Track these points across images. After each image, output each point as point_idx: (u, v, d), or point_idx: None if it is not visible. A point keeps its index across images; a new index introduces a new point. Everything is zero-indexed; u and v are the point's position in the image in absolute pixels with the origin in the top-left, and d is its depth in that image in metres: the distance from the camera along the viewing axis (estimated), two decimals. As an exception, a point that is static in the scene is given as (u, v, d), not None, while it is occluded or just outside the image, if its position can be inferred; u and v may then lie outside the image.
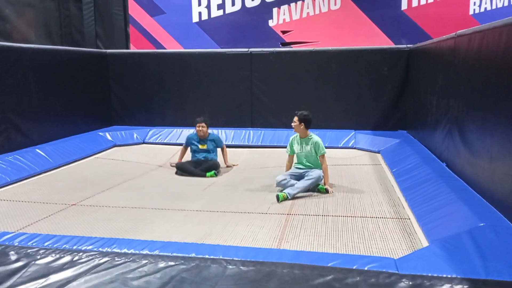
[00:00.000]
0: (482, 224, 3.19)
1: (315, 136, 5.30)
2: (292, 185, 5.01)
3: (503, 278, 2.51)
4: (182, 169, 6.09)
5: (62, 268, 2.85)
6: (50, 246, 3.17)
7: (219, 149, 6.45)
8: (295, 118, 5.23)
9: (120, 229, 3.96)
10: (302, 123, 5.20)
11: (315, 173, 5.10)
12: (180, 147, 6.71)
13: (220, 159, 6.40)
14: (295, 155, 5.44)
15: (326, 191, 5.06)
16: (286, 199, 4.82)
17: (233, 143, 8.17)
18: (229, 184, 5.56)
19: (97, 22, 9.63)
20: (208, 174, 5.92)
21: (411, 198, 4.54)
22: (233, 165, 6.53)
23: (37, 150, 6.48)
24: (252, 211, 4.44)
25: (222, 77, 8.65)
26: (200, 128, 6.19)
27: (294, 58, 8.42)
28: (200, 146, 6.25)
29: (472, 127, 4.23)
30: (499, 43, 3.59)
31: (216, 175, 5.95)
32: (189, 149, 6.42)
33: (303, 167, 5.32)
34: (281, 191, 4.97)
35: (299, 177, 5.17)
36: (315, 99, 8.36)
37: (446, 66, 5.26)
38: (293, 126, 5.28)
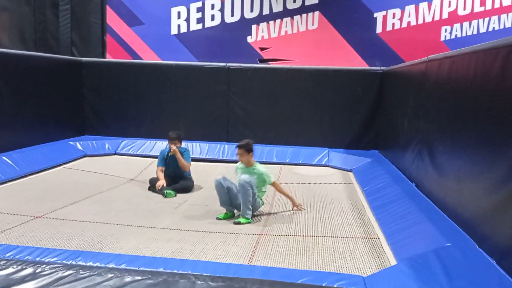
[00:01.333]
0: (449, 244, 3.26)
1: (259, 166, 4.94)
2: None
3: (468, 298, 2.56)
4: (152, 184, 5.94)
5: (23, 280, 2.74)
6: (11, 257, 3.05)
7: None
8: (239, 150, 4.87)
9: (86, 245, 3.83)
10: (248, 152, 4.86)
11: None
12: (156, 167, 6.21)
13: (200, 178, 6.25)
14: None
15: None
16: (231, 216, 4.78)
17: (207, 157, 8.12)
18: (202, 203, 5.42)
19: (73, 29, 9.49)
20: (167, 194, 5.65)
21: (381, 217, 4.61)
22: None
23: (4, 157, 6.26)
24: (224, 231, 4.37)
25: (199, 90, 8.64)
26: (173, 146, 5.90)
27: (272, 75, 8.51)
28: (170, 153, 5.93)
29: (441, 149, 4.35)
30: (468, 68, 3.74)
31: (175, 195, 5.70)
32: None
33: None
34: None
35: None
36: (291, 115, 8.45)
37: (417, 89, 5.41)
38: (239, 159, 4.93)
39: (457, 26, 8.40)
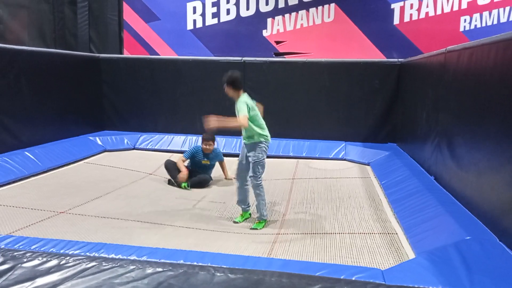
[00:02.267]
0: (468, 237, 3.24)
1: (241, 99, 4.56)
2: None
3: (488, 291, 2.54)
4: (168, 168, 6.07)
5: (48, 271, 2.83)
6: (37, 249, 3.14)
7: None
8: (225, 86, 4.60)
9: (107, 240, 3.89)
10: (232, 87, 4.58)
11: (251, 154, 4.51)
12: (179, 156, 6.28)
13: (217, 173, 6.36)
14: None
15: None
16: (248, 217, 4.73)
17: (224, 151, 8.14)
18: (219, 200, 5.43)
19: (91, 26, 9.63)
20: (182, 185, 5.87)
21: (399, 210, 4.58)
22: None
23: (26, 152, 6.42)
24: (242, 231, 4.37)
25: (215, 85, 8.57)
26: (208, 147, 6.05)
27: (287, 68, 8.49)
28: (203, 162, 6.12)
29: (460, 141, 4.29)
30: (488, 59, 3.68)
31: (188, 188, 5.87)
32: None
33: (244, 138, 4.64)
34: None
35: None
36: (307, 109, 8.42)
37: (436, 81, 5.34)
38: (227, 93, 4.66)
39: (476, 16, 8.23)
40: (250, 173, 4.54)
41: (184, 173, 5.90)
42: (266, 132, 4.60)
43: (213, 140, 6.15)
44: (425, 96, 5.86)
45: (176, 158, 6.36)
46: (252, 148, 4.53)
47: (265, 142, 4.55)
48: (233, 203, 5.07)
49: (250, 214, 4.78)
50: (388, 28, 8.54)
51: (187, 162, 6.18)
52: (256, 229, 4.45)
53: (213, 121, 4.40)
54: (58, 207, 4.83)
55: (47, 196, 5.22)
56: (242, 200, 4.74)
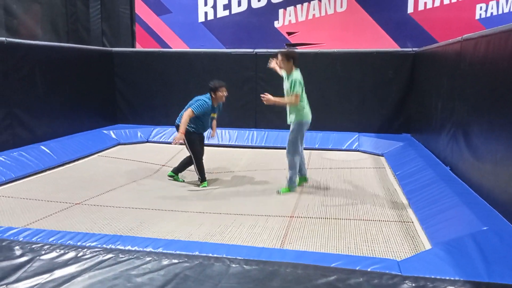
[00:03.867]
0: (486, 228, 3.20)
1: (294, 75, 5.06)
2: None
3: (506, 281, 2.51)
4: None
5: (66, 263, 2.87)
6: (54, 242, 3.19)
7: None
8: (279, 56, 5.16)
9: (123, 229, 3.98)
10: (288, 60, 5.09)
11: (289, 132, 5.17)
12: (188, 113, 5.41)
13: (224, 165, 6.29)
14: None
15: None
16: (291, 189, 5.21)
17: (236, 143, 8.18)
18: (232, 187, 5.55)
19: (103, 19, 9.67)
20: (202, 185, 5.56)
21: (415, 201, 4.54)
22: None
23: (42, 146, 6.51)
24: (255, 214, 4.43)
25: (227, 77, 8.59)
26: (225, 93, 5.53)
27: (299, 60, 8.30)
28: (212, 115, 5.70)
29: (477, 131, 4.23)
30: (505, 47, 3.60)
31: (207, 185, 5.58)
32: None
33: (287, 116, 5.22)
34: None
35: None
36: (319, 100, 8.33)
37: (451, 70, 5.26)
38: (279, 65, 5.26)
39: (492, 3, 8.06)
40: (287, 149, 5.16)
41: (181, 135, 5.24)
42: (306, 111, 5.12)
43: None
44: (440, 86, 5.77)
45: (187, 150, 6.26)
46: (291, 126, 5.10)
47: (305, 121, 5.09)
48: (247, 188, 5.39)
49: (306, 178, 5.48)
50: (402, 17, 8.41)
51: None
52: (280, 193, 5.10)
53: (270, 98, 5.02)
54: (74, 199, 4.90)
55: (63, 189, 5.29)
56: (299, 170, 5.31)
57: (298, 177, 5.33)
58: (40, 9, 8.72)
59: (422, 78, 7.23)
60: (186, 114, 5.35)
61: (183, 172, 5.93)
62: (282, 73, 5.31)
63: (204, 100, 5.47)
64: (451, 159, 5.09)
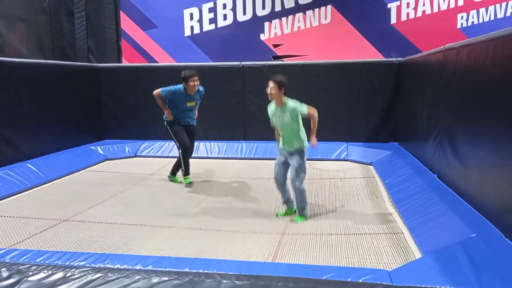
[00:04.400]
0: (474, 235, 3.23)
1: (290, 102, 4.60)
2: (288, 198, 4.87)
3: (496, 289, 2.53)
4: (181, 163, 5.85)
5: (54, 284, 2.82)
6: (42, 262, 3.14)
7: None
8: (271, 83, 4.52)
9: (112, 246, 3.92)
10: (280, 88, 4.52)
11: (294, 160, 4.58)
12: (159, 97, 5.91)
13: (217, 174, 6.34)
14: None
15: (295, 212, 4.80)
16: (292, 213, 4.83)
17: (225, 155, 8.18)
18: (223, 201, 5.46)
19: (89, 36, 9.65)
20: (186, 181, 5.86)
21: (404, 210, 4.57)
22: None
23: (28, 164, 6.42)
24: (246, 230, 4.38)
25: (215, 90, 8.66)
26: (196, 83, 5.56)
27: (286, 71, 8.39)
28: (188, 104, 5.65)
29: (462, 139, 4.29)
30: (486, 56, 3.67)
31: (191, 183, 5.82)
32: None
33: (285, 145, 4.68)
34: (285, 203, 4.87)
35: (286, 157, 4.71)
36: (307, 111, 8.40)
37: (435, 79, 5.34)
38: (270, 93, 4.55)
39: (473, 12, 8.24)
40: (293, 177, 4.60)
41: (168, 112, 5.57)
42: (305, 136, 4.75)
43: (198, 74, 5.69)
44: (425, 95, 5.85)
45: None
46: (298, 152, 4.63)
47: (306, 147, 4.72)
48: (236, 203, 5.15)
49: (295, 210, 4.83)
50: (385, 28, 8.55)
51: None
52: (297, 221, 4.62)
53: (314, 141, 4.76)
54: (61, 215, 4.84)
55: (50, 206, 5.22)
56: (288, 199, 4.85)
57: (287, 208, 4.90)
58: (25, 26, 8.68)
59: (407, 87, 7.33)
60: (155, 92, 5.64)
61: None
62: (271, 106, 4.79)
63: (176, 87, 5.67)
64: (438, 167, 5.14)
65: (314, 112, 4.72)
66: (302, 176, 4.62)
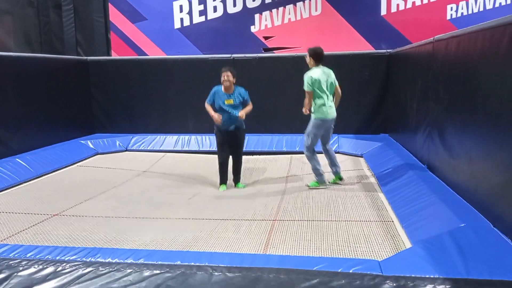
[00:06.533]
0: (463, 225, 3.27)
1: (309, 71, 5.72)
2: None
3: (484, 277, 2.56)
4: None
5: (45, 279, 2.81)
6: (32, 257, 3.12)
7: None
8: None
9: (103, 240, 3.91)
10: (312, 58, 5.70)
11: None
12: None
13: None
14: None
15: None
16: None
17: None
18: (215, 194, 5.50)
19: (77, 29, 9.53)
20: (238, 185, 5.75)
21: (394, 200, 4.61)
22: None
23: (18, 159, 6.36)
24: (238, 218, 4.43)
25: (205, 83, 8.60)
26: (226, 78, 5.44)
27: (277, 64, 8.47)
28: (226, 102, 5.57)
29: (451, 130, 4.32)
30: (475, 47, 3.69)
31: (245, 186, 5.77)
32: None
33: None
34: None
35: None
36: (298, 103, 8.35)
37: (425, 70, 5.37)
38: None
39: (462, 3, 8.27)
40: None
41: (215, 115, 5.45)
42: (323, 110, 5.66)
43: (232, 71, 5.55)
44: (415, 86, 5.88)
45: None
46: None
47: (321, 120, 5.59)
48: (229, 194, 5.28)
49: (340, 177, 5.71)
50: (375, 19, 8.55)
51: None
52: (309, 186, 5.53)
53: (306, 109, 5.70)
54: (52, 210, 4.81)
55: (40, 201, 5.19)
56: (330, 164, 5.69)
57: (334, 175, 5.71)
58: (12, 20, 8.55)
59: (397, 79, 7.36)
60: (205, 104, 5.78)
61: (241, 178, 5.92)
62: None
63: (216, 86, 5.70)
64: (428, 158, 5.19)
65: (339, 94, 6.02)
66: (304, 143, 5.60)
